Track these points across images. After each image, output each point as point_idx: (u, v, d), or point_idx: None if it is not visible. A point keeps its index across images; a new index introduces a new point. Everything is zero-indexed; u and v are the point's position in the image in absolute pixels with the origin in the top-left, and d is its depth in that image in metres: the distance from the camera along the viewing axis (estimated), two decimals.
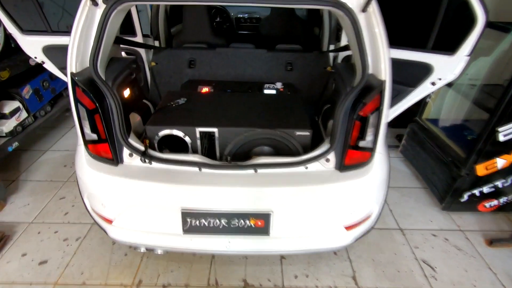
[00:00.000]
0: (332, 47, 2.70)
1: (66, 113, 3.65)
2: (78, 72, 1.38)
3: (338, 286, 1.86)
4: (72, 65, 1.37)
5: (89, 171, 1.48)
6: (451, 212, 2.43)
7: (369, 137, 1.43)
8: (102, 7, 1.40)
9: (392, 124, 3.52)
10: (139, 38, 2.63)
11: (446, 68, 1.87)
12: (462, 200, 2.30)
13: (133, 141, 1.50)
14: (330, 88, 2.27)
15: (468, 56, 1.71)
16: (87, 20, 1.38)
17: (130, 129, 1.55)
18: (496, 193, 2.26)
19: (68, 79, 1.37)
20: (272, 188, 1.42)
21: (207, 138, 1.58)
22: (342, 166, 1.48)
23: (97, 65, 1.41)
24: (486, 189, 2.23)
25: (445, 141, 2.45)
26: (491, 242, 2.14)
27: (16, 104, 2.58)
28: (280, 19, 2.87)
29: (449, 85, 2.44)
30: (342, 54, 2.71)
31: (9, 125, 2.50)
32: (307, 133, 1.54)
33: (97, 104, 1.36)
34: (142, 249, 1.65)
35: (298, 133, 1.53)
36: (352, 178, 1.47)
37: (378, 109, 1.39)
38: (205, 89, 2.17)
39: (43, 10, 1.99)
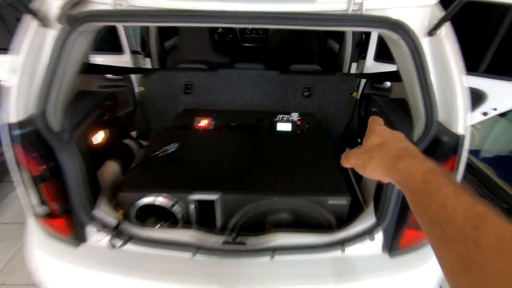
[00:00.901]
0: (354, 65, 2.28)
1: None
2: (21, 121, 0.96)
3: None
4: (12, 112, 0.95)
5: (37, 255, 1.06)
6: None
7: None
8: (56, 27, 0.98)
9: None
10: (126, 56, 2.23)
11: (503, 96, 1.51)
12: None
13: (101, 211, 1.08)
14: (355, 120, 1.86)
15: None
16: (33, 47, 0.97)
17: (97, 192, 1.13)
18: None
19: (3, 133, 0.95)
20: (295, 286, 1.00)
21: (205, 205, 1.15)
22: (395, 249, 1.05)
23: (47, 110, 0.99)
24: None
25: (495, 181, 2.01)
26: None
27: None
28: (292, 32, 2.46)
29: (503, 114, 2.02)
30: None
31: None
32: (344, 202, 1.11)
33: (45, 167, 0.94)
34: None
35: (331, 201, 1.10)
36: (408, 266, 1.04)
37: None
38: (203, 122, 1.76)
39: None
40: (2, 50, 1.54)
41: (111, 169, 1.36)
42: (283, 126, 1.74)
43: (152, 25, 1.82)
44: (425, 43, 0.97)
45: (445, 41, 0.94)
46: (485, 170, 2.12)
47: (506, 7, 1.46)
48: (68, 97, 1.12)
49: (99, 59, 2.18)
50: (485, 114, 1.77)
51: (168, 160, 1.27)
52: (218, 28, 3.42)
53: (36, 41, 0.97)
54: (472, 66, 1.61)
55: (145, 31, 2.25)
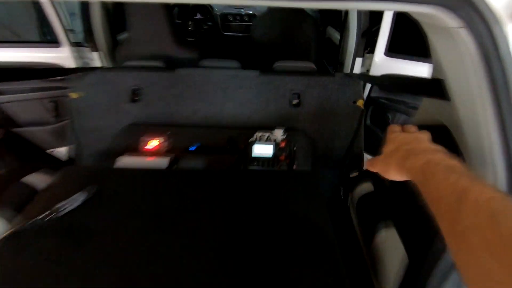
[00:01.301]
0: (359, 61, 1.78)
1: None
2: None
3: None
4: None
5: None
6: None
7: None
8: None
9: None
10: (65, 50, 1.73)
11: None
12: None
13: None
14: (360, 138, 1.38)
15: None
16: None
17: None
18: None
19: None
20: None
21: None
22: None
23: None
24: None
25: None
26: None
27: None
28: (281, 15, 1.94)
29: None
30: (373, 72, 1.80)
31: None
32: None
33: None
34: None
35: None
36: None
37: None
38: (153, 143, 1.28)
39: None
40: None
41: None
42: (262, 150, 1.25)
43: None
44: (510, 32, 0.49)
45: None
46: None
47: None
48: None
49: (27, 55, 1.69)
50: None
51: (57, 231, 0.78)
52: (195, 14, 2.90)
53: None
54: None
55: (86, 13, 1.74)
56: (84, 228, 0.79)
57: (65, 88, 1.68)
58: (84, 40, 1.79)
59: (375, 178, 1.09)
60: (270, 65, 1.52)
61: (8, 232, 0.76)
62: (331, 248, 0.74)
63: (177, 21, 2.80)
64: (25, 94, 1.65)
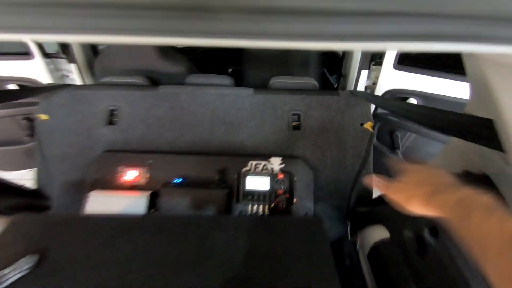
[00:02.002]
0: (364, 73, 1.62)
1: None
2: None
3: None
4: None
5: None
6: None
7: None
8: None
9: None
10: (37, 62, 1.55)
11: None
12: None
13: None
14: (369, 165, 1.21)
15: None
16: None
17: None
18: None
19: None
20: None
21: None
22: None
23: None
24: None
25: None
26: None
27: None
28: None
29: None
30: (381, 88, 1.63)
31: None
32: None
33: None
34: None
35: None
36: None
37: None
38: (131, 174, 1.11)
39: None
40: None
41: None
42: (257, 183, 1.09)
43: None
44: None
45: None
46: None
47: None
48: None
49: None
50: None
51: None
52: None
53: None
54: None
55: None
56: None
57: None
58: (60, 50, 1.61)
59: (387, 219, 0.93)
60: (266, 81, 1.34)
61: None
62: None
63: None
64: None
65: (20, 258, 0.69)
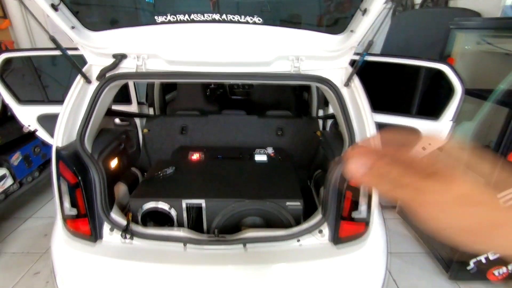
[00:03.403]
0: (321, 112, 2.80)
1: None
2: (64, 146, 1.37)
3: None
4: (59, 139, 1.37)
5: (64, 248, 1.37)
6: (460, 281, 2.25)
7: (362, 207, 1.38)
8: (95, 83, 1.45)
9: None
10: (133, 106, 2.72)
11: (433, 132, 1.89)
12: (469, 268, 2.15)
13: (115, 215, 1.43)
14: (320, 153, 2.29)
15: (452, 121, 1.77)
16: (79, 96, 1.42)
17: (113, 202, 1.48)
18: (503, 260, 2.13)
19: (52, 153, 1.35)
20: (262, 266, 1.31)
21: (194, 210, 1.51)
22: (337, 239, 1.39)
23: (84, 139, 1.41)
24: (491, 255, 2.10)
25: None
26: None
27: (2, 171, 2.52)
28: (271, 86, 3.03)
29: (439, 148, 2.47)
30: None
31: None
32: (298, 204, 1.48)
33: (80, 178, 1.32)
34: None
35: (288, 203, 1.48)
36: (348, 252, 1.37)
37: None
38: (195, 156, 2.17)
39: (41, 81, 2.08)
40: (34, 101, 2.03)
41: (120, 188, 1.73)
42: (260, 157, 2.15)
43: (159, 81, 2.33)
44: (344, 91, 1.46)
45: (356, 90, 1.43)
46: None
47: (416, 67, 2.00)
48: (97, 131, 1.54)
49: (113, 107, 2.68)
50: (423, 148, 2.21)
51: (166, 178, 1.65)
52: (211, 84, 4.07)
53: (81, 92, 1.43)
54: (407, 110, 2.05)
55: (150, 86, 2.78)
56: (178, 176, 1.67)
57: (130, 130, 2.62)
58: (146, 100, 2.81)
59: (323, 169, 1.98)
60: (264, 112, 2.52)
61: (145, 179, 1.62)
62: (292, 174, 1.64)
63: None
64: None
65: (169, 167, 1.74)
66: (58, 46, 1.33)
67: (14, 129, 2.60)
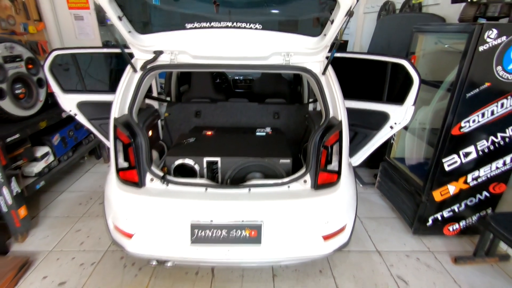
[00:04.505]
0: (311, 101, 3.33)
1: (81, 160, 4.11)
2: (119, 117, 1.89)
3: None
4: (116, 112, 1.89)
5: (118, 192, 1.89)
6: (421, 236, 2.78)
7: (334, 161, 1.90)
8: (139, 73, 1.98)
9: (370, 164, 4.02)
10: (154, 95, 3.25)
11: (399, 115, 2.38)
12: (428, 224, 2.68)
13: (154, 168, 1.95)
14: (308, 130, 2.81)
15: (413, 105, 2.27)
16: (128, 82, 1.95)
17: (152, 160, 2.00)
18: (456, 218, 2.66)
19: (111, 122, 1.88)
20: (262, 202, 1.83)
21: (212, 165, 2.04)
22: (316, 185, 1.91)
23: (132, 112, 1.93)
24: (445, 213, 2.63)
25: (409, 174, 2.91)
26: (456, 260, 2.47)
27: (46, 149, 3.05)
28: (269, 80, 3.56)
29: (405, 128, 3.00)
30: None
31: (39, 166, 2.93)
32: (288, 161, 2.01)
33: (131, 139, 1.84)
34: (154, 262, 1.97)
35: (281, 160, 2.00)
36: (324, 194, 1.89)
37: (339, 141, 1.89)
38: (209, 133, 2.69)
39: (82, 75, 2.60)
40: (75, 91, 2.54)
41: (153, 154, 2.25)
42: (260, 134, 2.68)
43: (186, 71, 2.83)
44: (322, 78, 1.99)
45: (330, 77, 1.96)
46: (403, 168, 3.04)
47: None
48: (139, 108, 2.07)
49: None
50: (391, 127, 2.70)
51: (190, 144, 2.18)
52: (217, 79, 4.61)
53: (129, 79, 1.96)
54: (379, 97, 2.55)
55: (167, 80, 3.31)
56: (198, 143, 2.20)
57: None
58: (164, 91, 3.34)
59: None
60: (263, 100, 3.04)
61: (173, 145, 2.15)
62: (284, 142, 2.17)
63: None
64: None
65: (190, 138, 2.27)
66: (118, 45, 1.85)
67: (54, 115, 3.12)
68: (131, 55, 2.01)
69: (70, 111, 2.58)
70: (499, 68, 2.13)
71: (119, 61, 2.72)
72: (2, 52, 2.63)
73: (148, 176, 1.92)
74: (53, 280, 2.25)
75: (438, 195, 2.56)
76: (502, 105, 2.23)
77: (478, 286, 2.25)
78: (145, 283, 2.23)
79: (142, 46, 1.89)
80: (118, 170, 1.92)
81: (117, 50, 2.44)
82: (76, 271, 2.33)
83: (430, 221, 2.67)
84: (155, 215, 1.85)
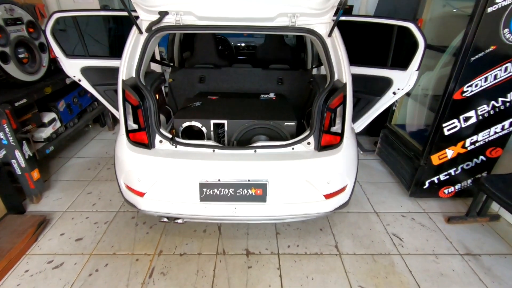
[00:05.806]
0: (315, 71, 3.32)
1: (86, 128, 4.17)
2: (127, 79, 1.92)
3: (323, 253, 2.29)
4: (123, 75, 1.91)
5: (129, 153, 1.96)
6: (418, 198, 2.91)
7: (337, 124, 1.96)
8: (145, 35, 1.97)
9: (370, 132, 4.09)
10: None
11: (403, 80, 2.40)
12: (425, 187, 2.79)
13: (163, 130, 2.01)
14: (311, 95, 2.84)
15: (417, 70, 2.27)
16: (134, 44, 1.95)
17: (160, 123, 2.06)
18: (451, 181, 2.77)
19: (119, 84, 1.91)
20: (267, 162, 1.91)
21: (219, 128, 2.10)
22: (319, 147, 1.98)
23: (139, 75, 1.95)
24: (442, 176, 2.74)
25: (409, 140, 2.99)
26: (449, 219, 2.61)
27: (53, 115, 3.09)
28: (272, 46, 3.51)
29: (408, 94, 3.02)
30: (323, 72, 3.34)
31: (47, 132, 2.99)
32: (292, 123, 2.07)
33: (140, 101, 1.88)
34: (165, 219, 2.09)
35: (286, 123, 2.06)
36: (327, 155, 1.97)
37: (343, 103, 1.93)
38: (213, 98, 2.72)
39: (84, 40, 2.57)
40: (78, 56, 2.52)
41: (161, 118, 2.30)
42: (264, 98, 2.71)
43: (191, 32, 2.78)
44: (328, 41, 1.98)
45: (336, 40, 1.95)
46: (403, 134, 3.10)
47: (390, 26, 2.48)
48: (145, 71, 2.09)
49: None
50: (394, 93, 2.71)
51: (196, 108, 2.22)
52: (218, 46, 4.53)
53: (135, 41, 1.95)
54: (383, 63, 2.54)
55: (170, 45, 3.27)
56: (204, 106, 2.25)
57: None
58: (166, 57, 3.31)
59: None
60: (267, 66, 3.03)
61: (181, 108, 2.20)
62: (288, 106, 2.22)
63: None
64: None
65: (196, 101, 2.30)
66: (125, 6, 1.82)
67: (59, 80, 3.13)
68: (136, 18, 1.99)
69: (74, 76, 2.59)
70: (506, 30, 2.12)
71: (118, 27, 2.69)
72: (2, 14, 2.58)
73: (157, 138, 1.98)
74: (70, 236, 2.40)
75: (436, 159, 2.65)
76: (506, 69, 2.24)
77: (468, 242, 2.40)
78: (156, 239, 2.38)
79: (147, 6, 1.86)
80: (128, 132, 1.98)
81: (119, 13, 2.40)
82: (91, 229, 2.48)
83: (427, 184, 2.79)
84: (166, 175, 1.94)
